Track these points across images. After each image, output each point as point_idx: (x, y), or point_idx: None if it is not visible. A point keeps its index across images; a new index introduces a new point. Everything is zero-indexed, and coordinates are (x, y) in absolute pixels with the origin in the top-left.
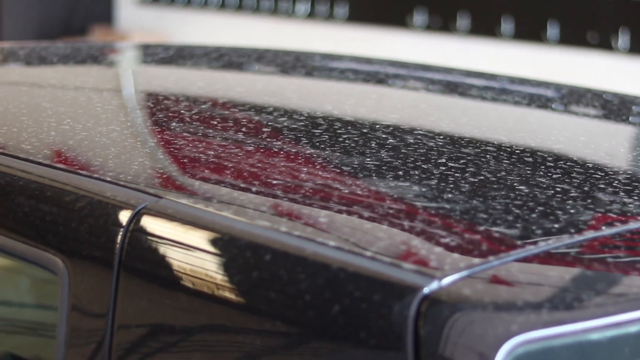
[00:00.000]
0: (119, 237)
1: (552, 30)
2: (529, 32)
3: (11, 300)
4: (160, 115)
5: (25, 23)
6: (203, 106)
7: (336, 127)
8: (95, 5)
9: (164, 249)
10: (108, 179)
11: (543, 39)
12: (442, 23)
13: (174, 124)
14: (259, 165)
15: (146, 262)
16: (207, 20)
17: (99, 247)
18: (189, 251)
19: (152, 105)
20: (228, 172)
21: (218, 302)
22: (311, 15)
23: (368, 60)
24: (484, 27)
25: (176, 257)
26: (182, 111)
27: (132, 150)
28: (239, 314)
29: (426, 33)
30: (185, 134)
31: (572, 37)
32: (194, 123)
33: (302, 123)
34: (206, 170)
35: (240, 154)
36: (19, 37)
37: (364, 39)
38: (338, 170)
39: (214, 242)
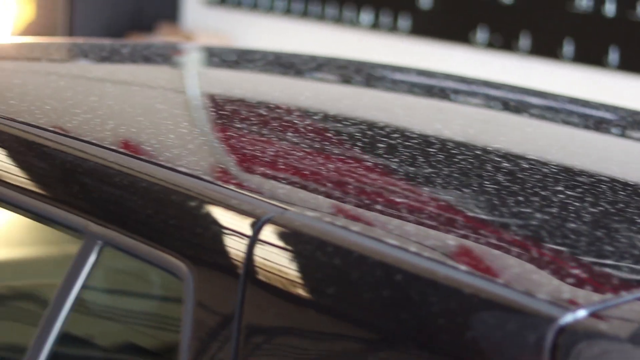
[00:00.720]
0: (245, 247)
1: (613, 55)
2: (590, 55)
3: (135, 302)
4: (275, 125)
5: (94, 19)
6: (313, 118)
7: (449, 147)
8: (163, 4)
9: (289, 261)
10: (234, 187)
11: (604, 63)
12: (503, 41)
13: (289, 134)
14: (384, 182)
15: (272, 273)
16: (272, 25)
17: (224, 254)
18: (314, 265)
19: (263, 114)
20: (352, 187)
21: (344, 319)
22: (375, 26)
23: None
24: (545, 48)
25: (302, 271)
26: (294, 121)
27: (258, 160)
28: (366, 332)
29: (487, 50)
30: (305, 146)
31: (633, 63)
32: (311, 135)
33: (416, 141)
34: (332, 184)
35: (361, 170)
36: (89, 33)
37: (426, 52)
38: (462, 193)
39: (340, 257)
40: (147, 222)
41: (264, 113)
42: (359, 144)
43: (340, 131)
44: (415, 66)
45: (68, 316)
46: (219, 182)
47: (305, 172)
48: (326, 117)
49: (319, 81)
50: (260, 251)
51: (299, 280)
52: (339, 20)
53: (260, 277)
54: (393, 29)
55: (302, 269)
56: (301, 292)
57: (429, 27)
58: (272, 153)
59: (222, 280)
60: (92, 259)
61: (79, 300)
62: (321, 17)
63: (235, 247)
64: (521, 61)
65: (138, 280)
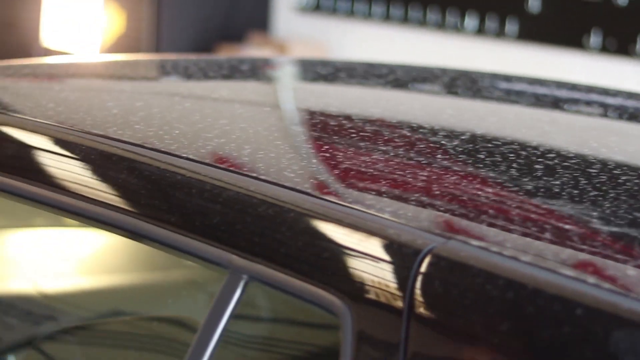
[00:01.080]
0: (406, 280)
1: None
2: None
3: (285, 339)
4: (405, 146)
5: (182, 31)
6: (437, 136)
7: (588, 164)
8: (253, 12)
9: (456, 295)
10: (391, 217)
11: None
12: (618, 45)
13: (426, 156)
14: (543, 205)
15: (437, 308)
16: (369, 32)
17: (384, 288)
18: (483, 299)
19: (389, 134)
20: (513, 212)
21: (518, 358)
22: (480, 31)
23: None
24: None
25: (470, 305)
26: (424, 142)
27: (408, 186)
28: None
29: (601, 55)
30: (446, 168)
31: None
32: (446, 155)
33: (549, 159)
34: (491, 209)
35: (516, 193)
36: (176, 45)
37: (535, 58)
38: (623, 215)
39: (511, 290)
40: (297, 255)
41: (390, 133)
42: (500, 164)
43: (471, 150)
44: (525, 74)
45: (213, 354)
46: (374, 212)
47: (460, 197)
48: (451, 135)
49: (426, 93)
50: (423, 285)
51: (468, 316)
52: (441, 25)
53: (425, 312)
54: (499, 34)
55: (470, 303)
56: (470, 329)
57: (538, 31)
58: (420, 177)
59: (383, 317)
60: (237, 294)
61: (224, 337)
62: (422, 23)
63: (396, 280)
64: (638, 66)
65: (287, 316)
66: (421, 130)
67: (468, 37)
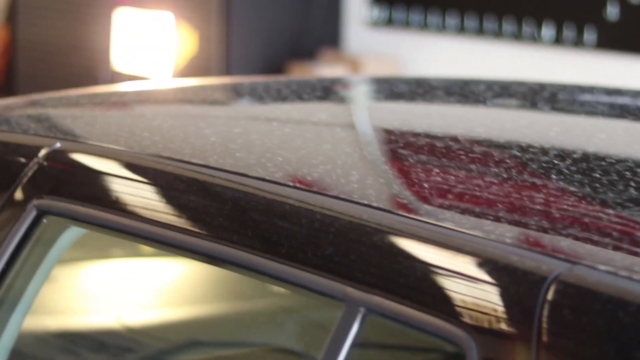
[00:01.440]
0: (533, 309)
1: None
2: None
3: None
4: (493, 165)
5: (252, 48)
6: (526, 154)
7: None
8: (324, 28)
9: (587, 324)
10: (512, 242)
11: None
12: None
13: (519, 176)
14: None
15: (567, 338)
16: (443, 45)
17: (510, 319)
18: (618, 327)
19: (476, 155)
20: (631, 234)
21: None
22: (557, 41)
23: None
24: None
25: (604, 334)
26: (512, 160)
27: (526, 209)
28: None
29: None
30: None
31: None
32: (540, 173)
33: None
34: (611, 230)
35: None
36: (247, 62)
37: (614, 67)
38: None
39: None
40: (416, 285)
41: (493, 153)
42: (616, 183)
43: (584, 169)
44: (604, 85)
45: None
46: (495, 238)
47: (579, 219)
48: (561, 153)
49: (507, 109)
50: (551, 313)
51: (600, 345)
52: (517, 36)
53: (554, 342)
54: (577, 43)
55: (602, 331)
56: (603, 358)
57: (618, 40)
58: (532, 199)
59: (510, 347)
60: (355, 327)
61: None
62: (498, 34)
63: (522, 309)
64: None
65: (407, 348)
66: (527, 149)
67: (545, 47)
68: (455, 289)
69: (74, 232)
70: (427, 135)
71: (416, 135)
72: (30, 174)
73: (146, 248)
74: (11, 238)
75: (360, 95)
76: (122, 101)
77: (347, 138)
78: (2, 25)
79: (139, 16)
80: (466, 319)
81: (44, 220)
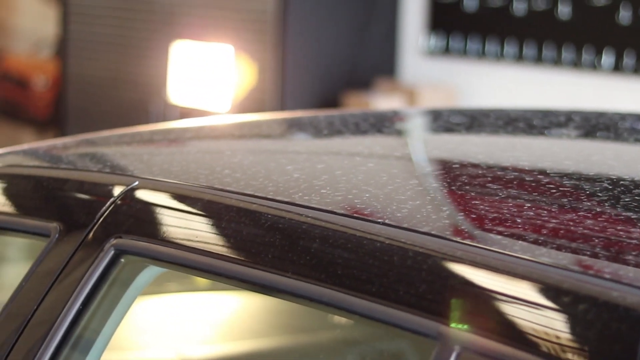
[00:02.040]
0: (636, 346)
1: None
2: None
3: None
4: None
5: (307, 78)
6: (600, 187)
7: None
8: (380, 58)
9: None
10: (613, 279)
11: None
12: None
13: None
14: None
15: None
16: (501, 74)
17: (614, 355)
18: None
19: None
20: None
21: None
22: (617, 68)
23: None
24: None
25: None
26: (591, 193)
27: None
28: None
29: None
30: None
31: None
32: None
33: None
34: None
35: None
36: (302, 92)
37: None
38: None
39: None
40: (516, 323)
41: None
42: None
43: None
44: None
45: None
46: (593, 273)
47: None
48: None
49: (569, 139)
50: None
51: None
52: (576, 64)
53: None
54: (637, 70)
55: None
56: None
57: None
58: (617, 232)
59: None
60: None
61: None
62: (557, 62)
63: (626, 346)
64: None
65: None
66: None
67: (604, 75)
68: (554, 326)
69: (152, 272)
70: (516, 169)
71: (504, 169)
72: (107, 213)
73: (223, 285)
74: (88, 278)
75: (434, 128)
76: (196, 137)
77: (432, 173)
78: (52, 59)
79: (197, 49)
80: (567, 357)
81: (122, 260)
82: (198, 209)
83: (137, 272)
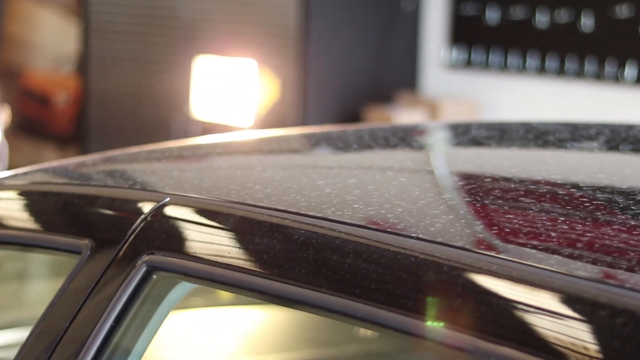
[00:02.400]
0: None
1: None
2: None
3: None
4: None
5: (329, 91)
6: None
7: None
8: (401, 71)
9: None
10: None
11: None
12: None
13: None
14: None
15: None
16: (524, 86)
17: None
18: None
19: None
20: None
21: None
22: (639, 80)
23: None
24: None
25: None
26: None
27: None
28: None
29: None
30: None
31: None
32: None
33: None
34: None
35: None
36: (324, 105)
37: None
38: None
39: None
40: (549, 336)
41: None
42: None
43: None
44: None
45: None
46: (629, 286)
47: None
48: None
49: (600, 152)
50: None
51: None
52: (599, 76)
53: None
54: None
55: None
56: None
57: None
58: None
59: None
60: None
61: None
62: (579, 75)
63: None
64: None
65: None
66: (620, 192)
67: (627, 88)
68: (592, 340)
69: (184, 288)
70: (548, 183)
71: (536, 182)
72: (139, 229)
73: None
74: (121, 294)
75: (464, 141)
76: (225, 152)
77: (464, 187)
78: (73, 75)
79: (219, 63)
80: None
81: (154, 276)
82: (230, 225)
83: (169, 289)
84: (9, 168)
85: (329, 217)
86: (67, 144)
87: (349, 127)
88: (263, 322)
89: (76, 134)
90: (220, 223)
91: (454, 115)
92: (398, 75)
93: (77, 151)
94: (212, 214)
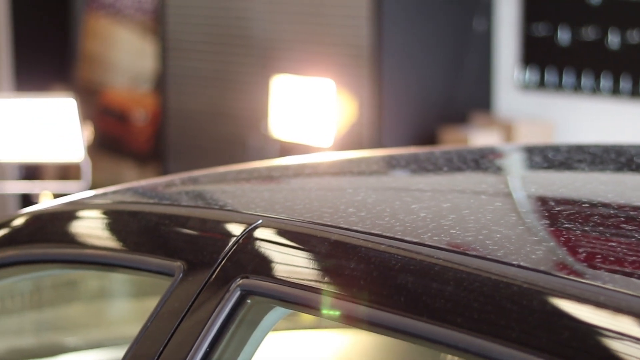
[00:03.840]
0: None
1: None
2: None
3: None
4: None
5: (404, 112)
6: None
7: None
8: (475, 91)
9: None
10: None
11: None
12: None
13: None
14: None
15: None
16: (597, 108)
17: None
18: None
19: None
20: None
21: None
22: None
23: None
24: None
25: None
26: None
27: None
28: None
29: None
30: None
31: None
32: None
33: None
34: None
35: None
36: (399, 126)
37: None
38: None
39: None
40: None
41: None
42: None
43: None
44: None
45: None
46: None
47: None
48: None
49: None
50: None
51: None
52: None
53: None
54: None
55: None
56: None
57: None
58: None
59: None
60: None
61: None
62: None
63: None
64: None
65: None
66: None
67: None
68: None
69: (278, 313)
70: None
71: (637, 209)
72: (232, 252)
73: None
74: (215, 319)
75: (556, 165)
76: (314, 174)
77: (562, 213)
78: (151, 93)
79: (296, 83)
80: None
81: (248, 301)
82: (324, 249)
83: (263, 314)
84: (91, 185)
85: (427, 243)
86: (146, 161)
87: (436, 149)
88: (360, 349)
89: (155, 152)
90: (314, 247)
91: (529, 137)
92: (472, 96)
93: (156, 169)
94: (305, 237)
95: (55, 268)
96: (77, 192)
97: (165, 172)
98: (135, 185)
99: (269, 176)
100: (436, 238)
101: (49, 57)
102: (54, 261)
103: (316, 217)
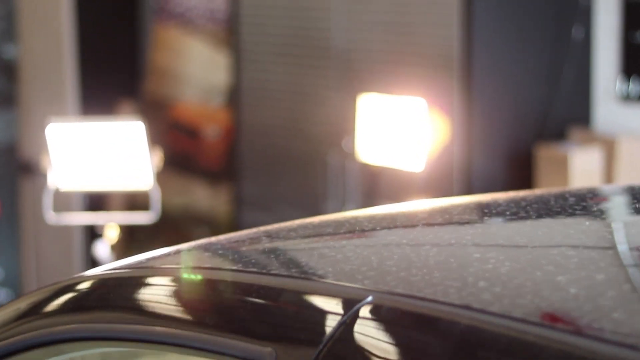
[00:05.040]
0: None
1: None
2: None
3: None
4: None
5: (496, 129)
6: None
7: None
8: (573, 105)
9: None
10: None
11: None
12: None
13: None
14: None
15: None
16: None
17: None
18: None
19: None
20: None
21: None
22: None
23: None
24: None
25: None
26: None
27: None
28: None
29: None
30: None
31: None
32: None
33: None
34: None
35: None
36: (491, 145)
37: None
38: None
39: None
40: None
41: None
42: None
43: None
44: None
45: None
46: None
47: None
48: None
49: None
50: None
51: None
52: None
53: None
54: None
55: None
56: None
57: None
58: None
59: None
60: None
61: None
62: None
63: None
64: None
65: None
66: None
67: None
68: None
69: None
70: None
71: None
72: (336, 338)
73: None
74: None
75: None
76: (428, 229)
77: None
78: (224, 108)
79: (383, 101)
80: None
81: None
82: (454, 337)
83: None
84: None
85: (588, 333)
86: (217, 180)
87: (554, 192)
88: None
89: (227, 169)
90: (442, 333)
91: (633, 153)
92: (569, 110)
93: (228, 188)
94: (429, 320)
95: (122, 346)
96: (145, 222)
97: (238, 191)
98: (212, 243)
99: (372, 231)
100: (597, 326)
101: (116, 70)
102: (120, 339)
103: (440, 294)
